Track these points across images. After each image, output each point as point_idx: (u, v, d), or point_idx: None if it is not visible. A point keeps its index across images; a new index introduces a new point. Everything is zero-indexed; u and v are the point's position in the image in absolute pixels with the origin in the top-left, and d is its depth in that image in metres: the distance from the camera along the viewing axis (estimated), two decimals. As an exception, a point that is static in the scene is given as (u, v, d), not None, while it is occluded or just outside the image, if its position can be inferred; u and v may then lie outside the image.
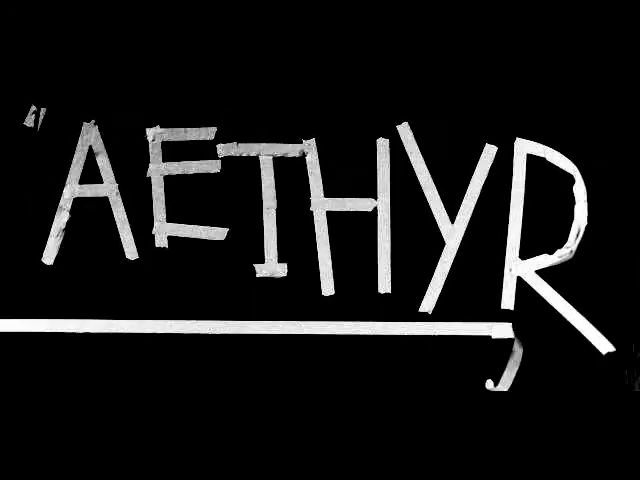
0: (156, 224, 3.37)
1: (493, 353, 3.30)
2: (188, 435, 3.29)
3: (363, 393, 3.31)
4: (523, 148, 3.37)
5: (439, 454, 3.29)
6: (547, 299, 3.31)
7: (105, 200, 3.38)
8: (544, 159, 3.36)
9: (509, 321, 3.31)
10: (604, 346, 3.29)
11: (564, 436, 3.28)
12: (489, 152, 3.38)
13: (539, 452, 3.28)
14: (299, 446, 3.29)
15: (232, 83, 3.41)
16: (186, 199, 3.39)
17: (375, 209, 3.36)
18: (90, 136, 3.38)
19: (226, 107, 3.40)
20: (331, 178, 3.39)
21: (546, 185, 3.36)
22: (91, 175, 3.39)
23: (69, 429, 3.29)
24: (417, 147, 3.38)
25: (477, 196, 3.36)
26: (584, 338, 3.30)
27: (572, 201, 3.34)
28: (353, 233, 3.37)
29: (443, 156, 3.38)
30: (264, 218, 3.37)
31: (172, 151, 3.39)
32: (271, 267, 3.36)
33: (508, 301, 3.33)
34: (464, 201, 3.36)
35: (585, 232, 3.32)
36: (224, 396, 3.30)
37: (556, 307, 3.31)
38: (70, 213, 3.36)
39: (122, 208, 3.37)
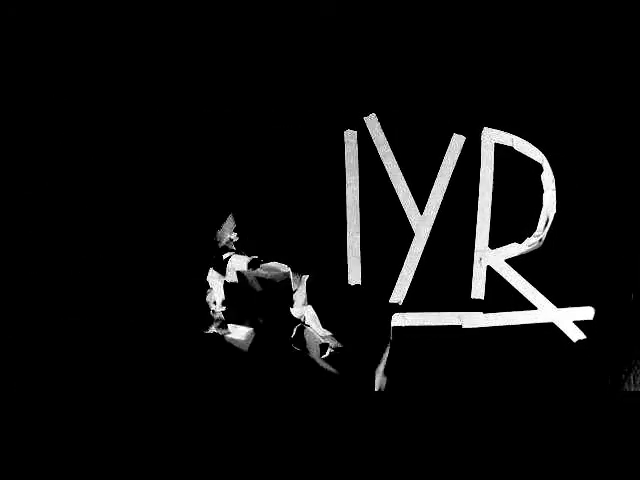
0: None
1: (464, 343, 3.30)
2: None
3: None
4: (491, 137, 3.38)
5: (423, 449, 3.28)
6: (517, 288, 3.31)
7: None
8: (512, 148, 3.37)
9: (479, 310, 3.31)
10: (575, 334, 3.29)
11: (538, 427, 3.27)
12: (457, 142, 3.38)
13: (512, 442, 3.28)
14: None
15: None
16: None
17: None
18: None
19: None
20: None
21: (514, 174, 3.36)
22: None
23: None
24: (385, 138, 3.38)
25: (446, 186, 3.36)
26: (555, 326, 3.29)
27: (540, 190, 3.35)
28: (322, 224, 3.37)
29: (411, 146, 3.38)
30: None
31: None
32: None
33: (478, 290, 3.33)
34: (432, 191, 3.36)
35: (554, 220, 3.32)
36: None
37: (526, 296, 3.31)
38: None
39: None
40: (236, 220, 3.34)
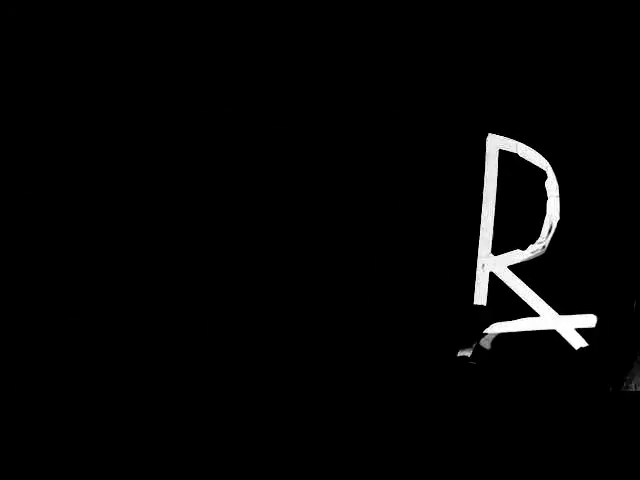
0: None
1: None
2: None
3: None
4: (495, 144, 3.38)
5: (417, 451, 3.28)
6: (519, 295, 3.31)
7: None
8: (516, 155, 3.37)
9: (481, 317, 3.30)
10: (577, 341, 3.28)
11: (534, 431, 3.26)
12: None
13: (510, 445, 3.27)
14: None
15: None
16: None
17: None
18: None
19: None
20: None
21: (518, 181, 3.36)
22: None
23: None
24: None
25: (449, 192, 3.37)
26: (557, 333, 3.29)
27: (544, 196, 3.34)
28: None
29: (415, 152, 3.39)
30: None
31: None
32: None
33: (481, 297, 3.33)
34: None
35: (557, 227, 3.32)
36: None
37: (528, 303, 3.30)
38: None
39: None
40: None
